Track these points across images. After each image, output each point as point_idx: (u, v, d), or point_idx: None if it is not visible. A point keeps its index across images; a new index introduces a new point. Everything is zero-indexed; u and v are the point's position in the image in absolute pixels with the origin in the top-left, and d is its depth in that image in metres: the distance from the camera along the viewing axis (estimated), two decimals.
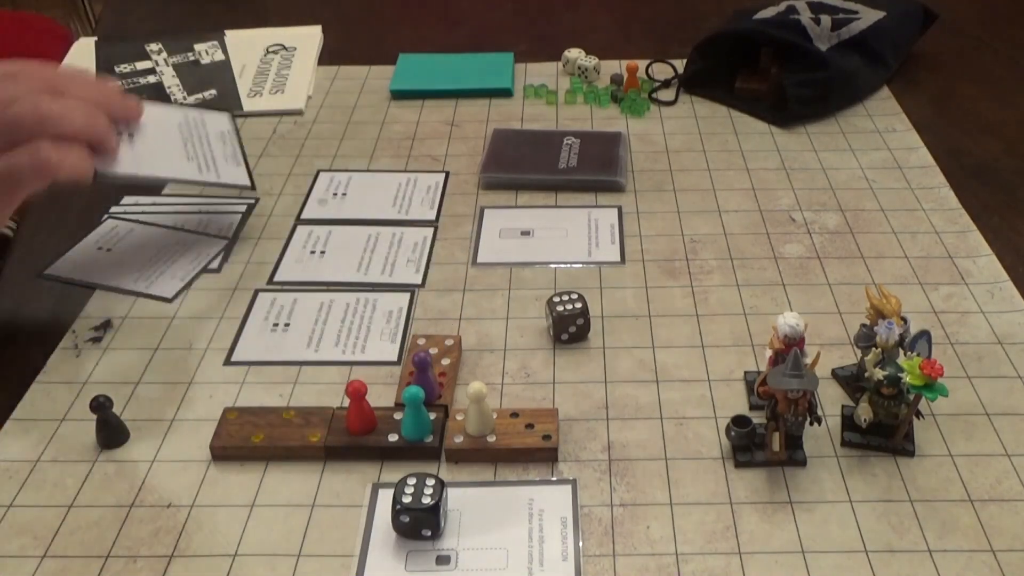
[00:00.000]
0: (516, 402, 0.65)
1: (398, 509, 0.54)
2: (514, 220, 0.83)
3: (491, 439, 0.60)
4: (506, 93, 1.04)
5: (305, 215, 0.85)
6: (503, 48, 1.12)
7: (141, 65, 1.08)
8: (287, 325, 0.72)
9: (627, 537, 0.55)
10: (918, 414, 0.60)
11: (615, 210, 0.84)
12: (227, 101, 1.02)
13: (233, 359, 0.69)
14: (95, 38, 1.14)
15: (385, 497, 0.57)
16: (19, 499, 0.59)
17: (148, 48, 1.11)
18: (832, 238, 0.80)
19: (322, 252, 0.80)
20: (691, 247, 0.79)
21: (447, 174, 0.90)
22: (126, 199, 0.86)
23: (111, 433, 0.62)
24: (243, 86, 1.05)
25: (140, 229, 0.82)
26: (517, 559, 0.54)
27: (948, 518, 0.56)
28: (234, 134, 0.82)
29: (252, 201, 0.86)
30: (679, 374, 0.67)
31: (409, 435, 0.60)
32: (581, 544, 0.55)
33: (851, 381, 0.65)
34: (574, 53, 1.07)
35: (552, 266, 0.78)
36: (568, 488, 0.58)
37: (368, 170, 0.91)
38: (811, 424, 0.59)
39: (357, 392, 0.59)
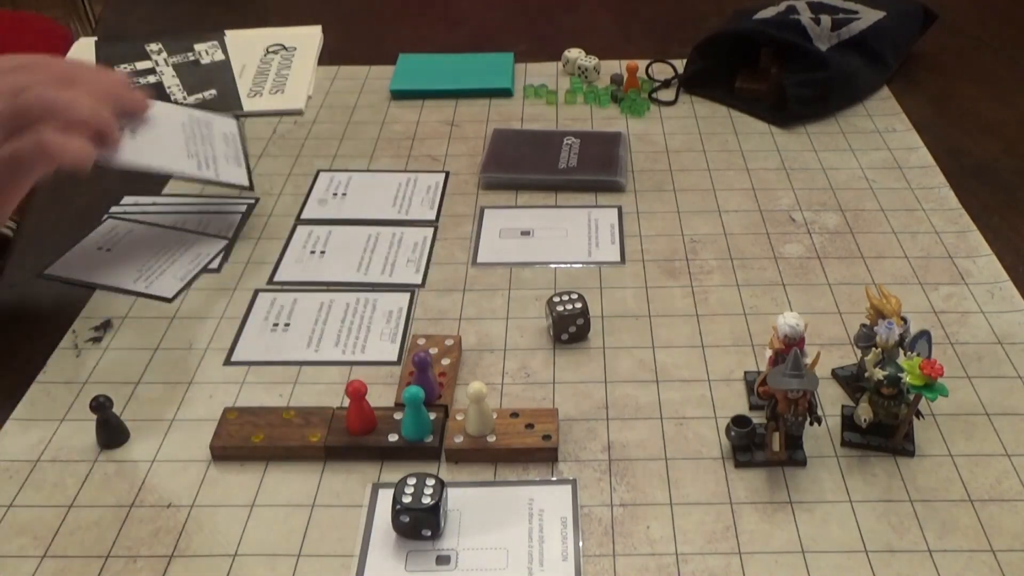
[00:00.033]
0: (516, 402, 0.65)
1: (398, 509, 0.54)
2: (514, 220, 0.83)
3: (491, 439, 0.60)
4: (506, 93, 1.04)
5: (305, 215, 0.85)
6: (503, 48, 1.12)
7: (141, 65, 1.08)
8: (287, 325, 0.72)
9: (627, 537, 0.55)
10: (918, 414, 0.60)
11: (615, 210, 0.84)
12: (227, 101, 1.02)
13: (233, 359, 0.69)
14: (95, 38, 1.14)
15: (385, 497, 0.57)
16: (19, 499, 0.59)
17: (148, 48, 1.11)
18: (832, 238, 0.80)
19: (322, 252, 0.80)
20: (691, 247, 0.79)
21: (447, 174, 0.90)
22: (126, 199, 0.86)
23: (111, 433, 0.62)
24: (243, 86, 1.05)
25: (140, 229, 0.82)
26: (517, 559, 0.54)
27: (948, 518, 0.56)
28: (238, 138, 0.84)
29: (252, 201, 0.86)
30: (679, 374, 0.67)
31: (409, 435, 0.60)
32: (581, 544, 0.55)
33: (851, 381, 0.65)
34: (574, 53, 1.07)
35: (552, 266, 0.78)
36: (568, 488, 0.58)
37: (368, 170, 0.91)
38: (811, 424, 0.59)
39: (357, 392, 0.59)
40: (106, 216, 0.84)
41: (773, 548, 0.55)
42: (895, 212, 0.83)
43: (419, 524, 0.55)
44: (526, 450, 0.60)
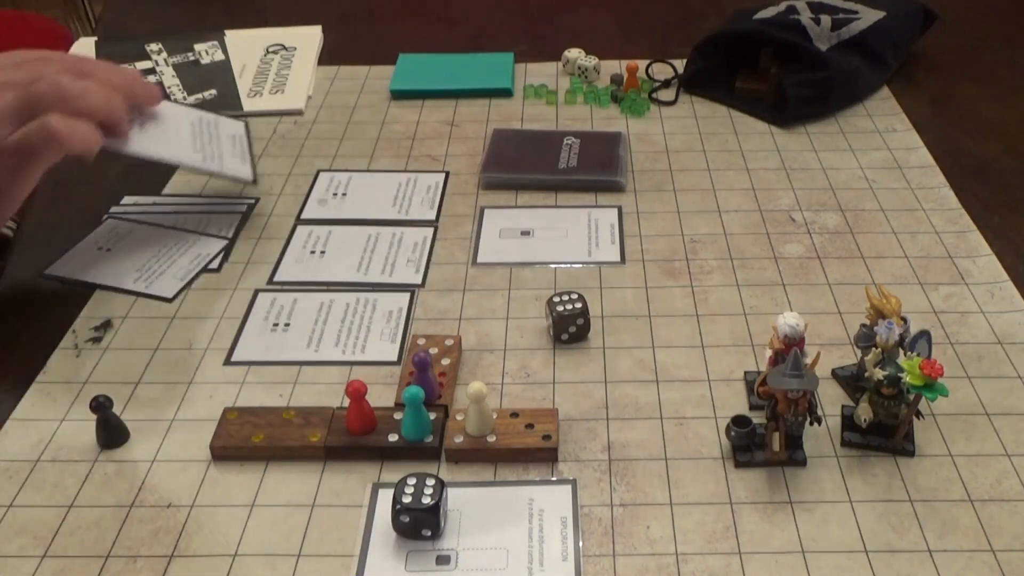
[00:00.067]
0: (516, 402, 0.65)
1: (398, 509, 0.54)
2: (514, 220, 0.83)
3: (491, 439, 0.60)
4: (506, 93, 1.04)
5: (305, 215, 0.85)
6: (503, 48, 1.12)
7: (141, 65, 1.08)
8: (287, 325, 0.72)
9: (627, 537, 0.55)
10: (918, 414, 0.60)
11: (615, 210, 0.84)
12: (227, 101, 1.02)
13: (233, 359, 0.69)
14: (95, 38, 1.15)
15: (385, 497, 0.57)
16: (19, 499, 0.59)
17: (148, 48, 1.11)
18: (832, 238, 0.80)
19: (322, 252, 0.80)
20: (691, 247, 0.79)
21: (447, 174, 0.90)
22: (126, 199, 0.86)
23: (111, 433, 0.62)
24: (243, 86, 1.05)
25: (140, 229, 0.82)
26: (517, 559, 0.54)
27: (948, 518, 0.56)
28: (246, 140, 0.85)
29: (252, 201, 0.86)
30: (679, 374, 0.67)
31: (409, 435, 0.60)
32: (581, 544, 0.55)
33: (851, 381, 0.65)
34: (574, 53, 1.07)
35: (552, 266, 0.78)
36: (568, 488, 0.58)
37: (368, 170, 0.91)
38: (811, 424, 0.59)
39: (357, 392, 0.59)
40: (106, 216, 0.84)
41: (773, 548, 0.55)
42: (895, 212, 0.83)
43: (419, 524, 0.55)
44: (526, 450, 0.60)
